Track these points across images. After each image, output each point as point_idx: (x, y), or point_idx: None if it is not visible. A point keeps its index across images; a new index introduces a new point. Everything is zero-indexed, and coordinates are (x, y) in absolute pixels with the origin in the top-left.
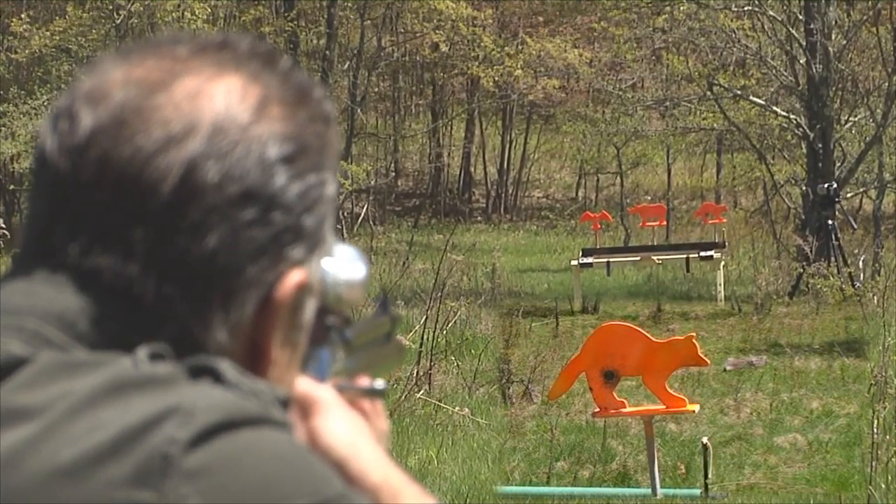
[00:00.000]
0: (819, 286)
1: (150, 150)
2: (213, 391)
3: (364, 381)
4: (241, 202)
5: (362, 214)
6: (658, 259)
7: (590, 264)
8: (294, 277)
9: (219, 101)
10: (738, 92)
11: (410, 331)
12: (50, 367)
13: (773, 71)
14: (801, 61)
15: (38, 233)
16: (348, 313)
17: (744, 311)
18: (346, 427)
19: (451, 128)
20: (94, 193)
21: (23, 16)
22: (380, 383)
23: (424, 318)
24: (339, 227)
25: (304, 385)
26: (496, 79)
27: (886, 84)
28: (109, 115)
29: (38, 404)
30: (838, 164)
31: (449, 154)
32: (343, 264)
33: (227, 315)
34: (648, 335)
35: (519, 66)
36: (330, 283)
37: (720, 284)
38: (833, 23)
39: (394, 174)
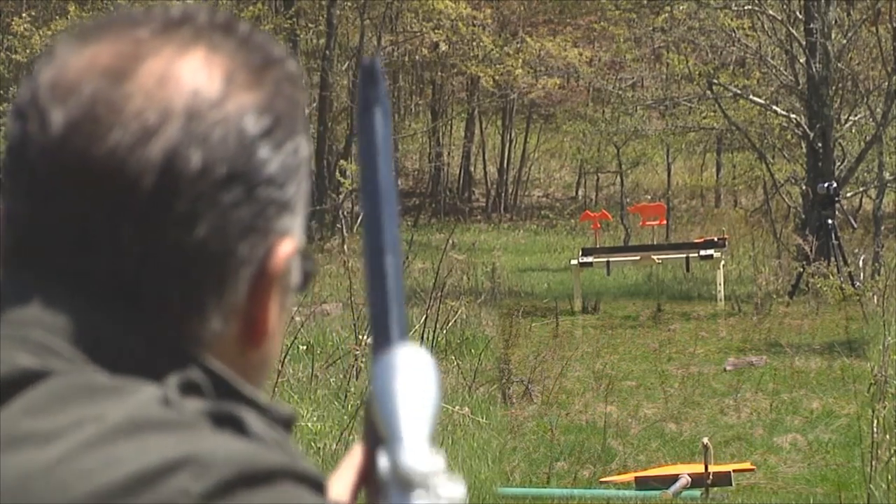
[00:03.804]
0: (819, 286)
1: (128, 144)
2: (234, 443)
3: None
4: (226, 184)
5: (362, 214)
6: (658, 258)
7: (590, 263)
8: (285, 248)
9: (187, 81)
10: (738, 91)
11: (410, 330)
12: (67, 391)
13: (773, 70)
14: (800, 61)
15: (20, 236)
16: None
17: (744, 310)
18: None
19: (451, 127)
20: (76, 193)
21: (23, 15)
22: None
23: (424, 317)
24: (339, 226)
25: None
26: (496, 78)
27: (886, 83)
28: (80, 110)
29: (53, 430)
30: (838, 164)
31: (449, 153)
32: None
33: (220, 300)
34: None
35: (519, 65)
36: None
37: (720, 284)
38: (833, 22)
39: (394, 173)
